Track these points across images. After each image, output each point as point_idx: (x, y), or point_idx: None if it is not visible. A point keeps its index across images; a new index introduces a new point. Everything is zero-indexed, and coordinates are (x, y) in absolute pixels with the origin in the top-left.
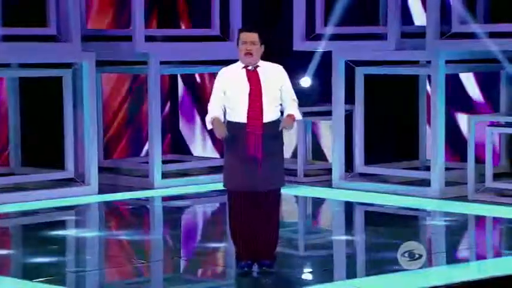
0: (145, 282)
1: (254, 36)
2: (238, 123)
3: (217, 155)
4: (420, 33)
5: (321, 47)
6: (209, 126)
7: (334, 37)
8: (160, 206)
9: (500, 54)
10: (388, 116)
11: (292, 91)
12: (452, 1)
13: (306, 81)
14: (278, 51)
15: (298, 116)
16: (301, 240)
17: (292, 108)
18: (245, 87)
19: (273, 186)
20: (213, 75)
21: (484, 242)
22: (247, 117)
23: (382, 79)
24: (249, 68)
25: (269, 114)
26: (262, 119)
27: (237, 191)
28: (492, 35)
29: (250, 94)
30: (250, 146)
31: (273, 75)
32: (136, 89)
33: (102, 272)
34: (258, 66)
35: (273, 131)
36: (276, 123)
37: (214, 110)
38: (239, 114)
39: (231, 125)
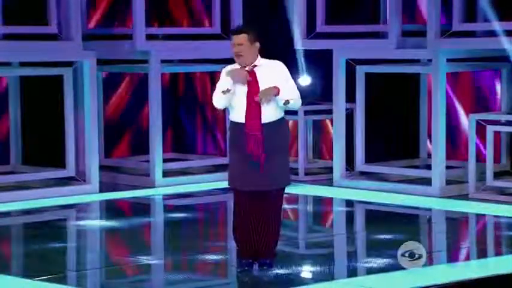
0: (146, 281)
1: (240, 38)
2: (239, 123)
3: (218, 154)
4: (421, 31)
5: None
6: (222, 90)
7: (335, 36)
8: (161, 204)
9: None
10: (389, 115)
11: (294, 85)
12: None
13: (305, 80)
14: (278, 49)
15: (286, 94)
16: (302, 238)
17: (286, 89)
18: (243, 88)
19: (276, 185)
20: (213, 74)
21: (484, 240)
22: (246, 118)
23: (383, 77)
24: (247, 68)
25: (269, 114)
26: (260, 120)
27: (239, 190)
28: (492, 34)
29: (247, 95)
30: (250, 147)
31: (272, 73)
32: (138, 87)
33: (103, 270)
34: (255, 65)
35: (276, 130)
36: (278, 122)
37: (221, 86)
38: (239, 115)
39: (232, 125)
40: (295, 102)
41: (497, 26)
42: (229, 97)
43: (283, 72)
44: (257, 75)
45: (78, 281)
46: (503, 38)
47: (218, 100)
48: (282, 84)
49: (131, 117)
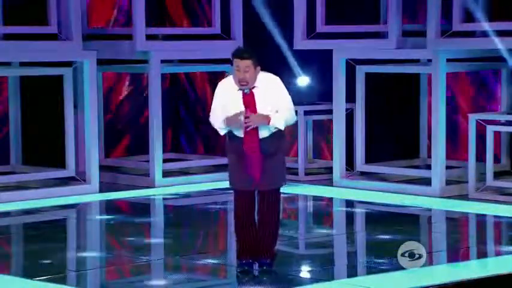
0: (146, 281)
1: (247, 63)
2: (238, 136)
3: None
4: (421, 31)
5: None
6: (223, 128)
7: (335, 36)
8: (161, 204)
9: (504, 51)
10: (389, 115)
11: (288, 102)
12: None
13: (303, 80)
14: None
15: (277, 122)
16: (301, 238)
17: (278, 114)
18: (241, 109)
19: (274, 185)
20: (213, 74)
21: (484, 240)
22: (244, 140)
23: (383, 77)
24: (245, 91)
25: (266, 131)
26: (258, 141)
27: (238, 190)
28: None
29: (245, 118)
30: (248, 166)
31: (269, 93)
32: (138, 87)
33: (103, 270)
34: (254, 87)
35: (272, 140)
36: (274, 133)
37: (219, 118)
38: (237, 131)
39: (231, 134)
40: (288, 124)
41: (494, 26)
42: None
43: (280, 91)
44: (255, 97)
45: (78, 281)
46: (496, 39)
47: (215, 124)
48: (277, 105)
49: (131, 117)
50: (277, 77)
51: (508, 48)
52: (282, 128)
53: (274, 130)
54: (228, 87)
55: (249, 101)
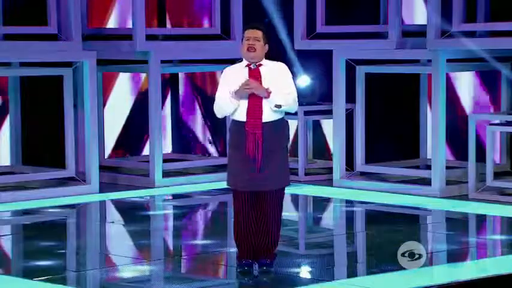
0: (146, 281)
1: (258, 33)
2: (240, 121)
3: (217, 154)
4: (421, 31)
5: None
6: (228, 103)
7: (335, 36)
8: (161, 204)
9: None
10: (389, 115)
11: (292, 87)
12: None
13: (303, 80)
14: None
15: (276, 98)
16: (301, 239)
17: (280, 94)
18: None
19: (275, 186)
20: (213, 74)
21: (484, 240)
22: (247, 116)
23: (383, 78)
24: (251, 66)
25: (270, 114)
26: (261, 119)
27: (239, 190)
28: (492, 34)
29: (249, 94)
30: (250, 146)
31: (275, 74)
32: (137, 87)
33: (103, 270)
34: (260, 65)
35: (275, 130)
36: (278, 122)
37: (226, 99)
38: (240, 113)
39: (234, 124)
40: (289, 107)
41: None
42: (235, 107)
43: (285, 75)
44: (261, 73)
45: (78, 281)
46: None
47: (222, 110)
48: (280, 86)
49: (131, 117)
50: (285, 65)
51: (506, 49)
52: (282, 103)
53: (274, 109)
54: (233, 68)
55: (255, 76)
